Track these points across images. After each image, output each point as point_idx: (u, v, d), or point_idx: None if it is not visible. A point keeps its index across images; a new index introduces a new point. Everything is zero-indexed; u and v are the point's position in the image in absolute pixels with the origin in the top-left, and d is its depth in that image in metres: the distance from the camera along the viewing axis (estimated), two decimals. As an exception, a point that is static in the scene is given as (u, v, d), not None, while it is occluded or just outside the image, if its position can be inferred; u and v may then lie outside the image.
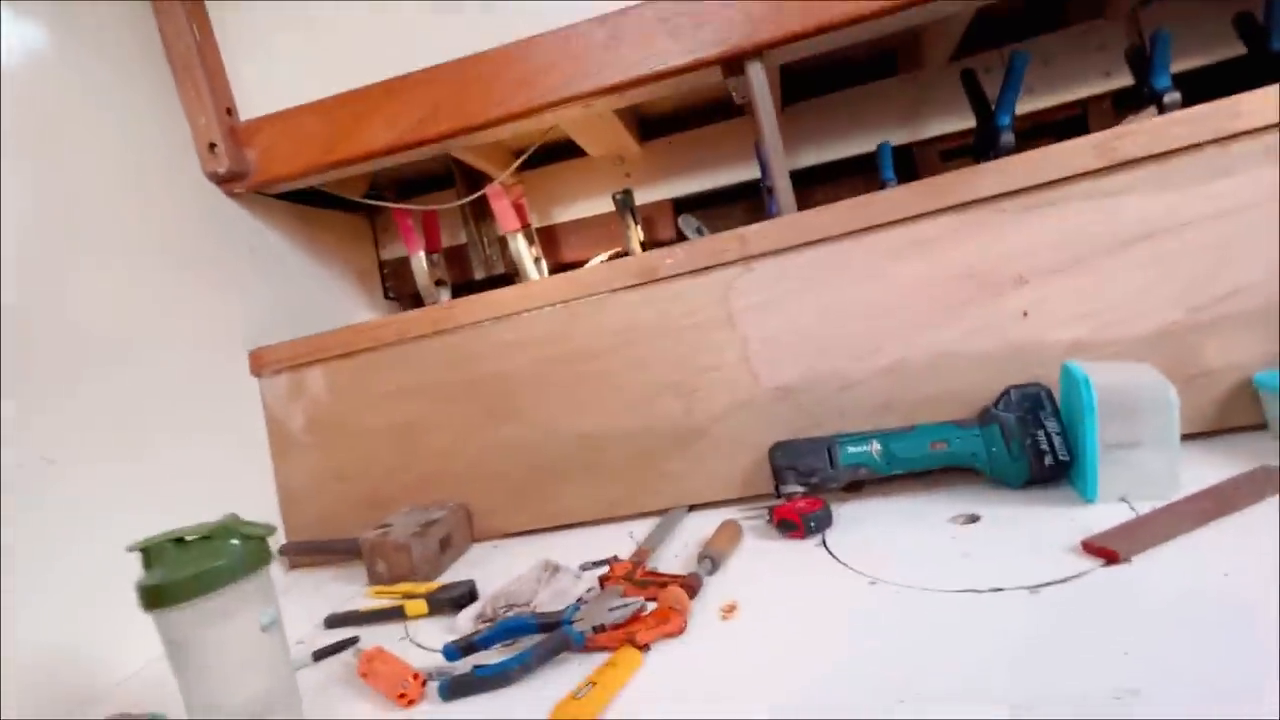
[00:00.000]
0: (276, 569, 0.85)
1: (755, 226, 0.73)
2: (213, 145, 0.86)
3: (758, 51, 0.75)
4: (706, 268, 0.75)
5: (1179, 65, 0.85)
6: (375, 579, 0.73)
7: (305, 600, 0.75)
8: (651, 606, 0.52)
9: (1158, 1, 0.94)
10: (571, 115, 0.87)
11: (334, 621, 0.66)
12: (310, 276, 1.05)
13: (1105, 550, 0.47)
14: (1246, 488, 0.51)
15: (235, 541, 0.44)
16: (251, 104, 0.88)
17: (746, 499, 0.74)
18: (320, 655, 0.60)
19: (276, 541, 0.85)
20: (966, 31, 0.93)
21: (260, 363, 0.87)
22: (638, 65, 0.77)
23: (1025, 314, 0.67)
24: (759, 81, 0.77)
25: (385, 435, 0.84)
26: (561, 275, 0.79)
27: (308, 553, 0.84)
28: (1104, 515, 0.53)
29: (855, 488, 0.71)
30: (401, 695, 0.48)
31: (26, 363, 0.62)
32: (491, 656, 0.51)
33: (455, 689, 0.48)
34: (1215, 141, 0.62)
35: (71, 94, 0.72)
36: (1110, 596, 0.43)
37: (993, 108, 0.87)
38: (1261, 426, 0.61)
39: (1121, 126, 0.64)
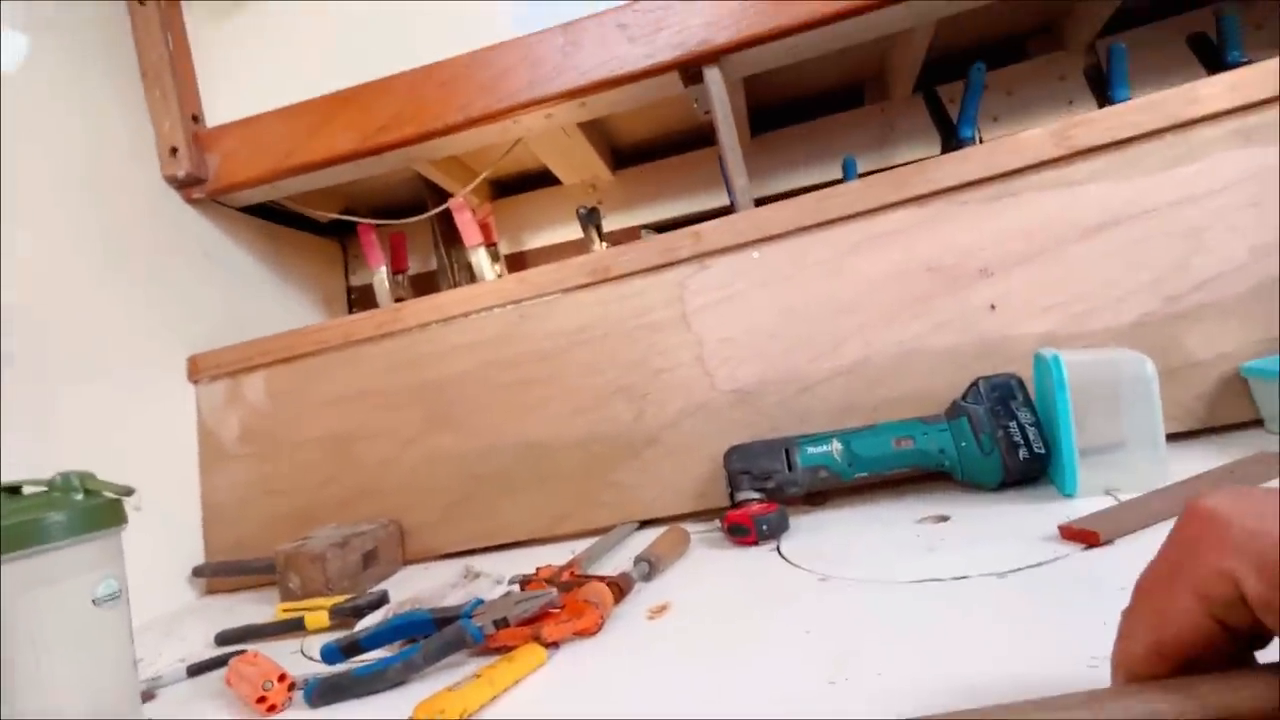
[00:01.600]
0: (190, 594, 0.78)
1: (710, 223, 0.71)
2: (174, 150, 0.86)
3: (714, 57, 0.76)
4: (660, 266, 0.72)
5: (1140, 93, 0.85)
6: (287, 595, 0.66)
7: (213, 622, 0.66)
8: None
9: (1113, 33, 0.96)
10: (535, 126, 0.87)
11: (226, 639, 0.59)
12: (271, 292, 1.03)
13: (1084, 533, 0.40)
14: (1244, 471, 0.45)
15: (78, 496, 0.38)
16: (219, 111, 0.89)
17: (701, 514, 0.67)
18: (196, 670, 0.52)
19: (188, 557, 0.78)
20: (931, 64, 0.95)
21: (198, 368, 0.83)
22: (595, 70, 0.77)
23: (993, 307, 0.63)
24: (717, 88, 0.77)
25: (321, 445, 0.79)
26: (513, 275, 0.76)
27: (224, 574, 0.76)
28: (1087, 507, 0.47)
29: (818, 499, 0.64)
30: (262, 700, 0.41)
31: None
32: (379, 658, 0.43)
33: (323, 692, 0.40)
34: (1174, 128, 0.60)
35: (37, 86, 0.73)
36: (1088, 576, 0.37)
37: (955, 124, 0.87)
38: (1256, 422, 0.55)
39: (1079, 115, 0.62)
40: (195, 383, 0.83)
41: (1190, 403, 0.57)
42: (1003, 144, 0.64)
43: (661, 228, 1.14)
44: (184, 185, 0.87)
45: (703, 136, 1.13)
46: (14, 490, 0.38)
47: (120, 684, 0.39)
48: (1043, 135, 0.63)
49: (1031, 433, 0.53)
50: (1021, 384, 0.56)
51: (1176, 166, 0.59)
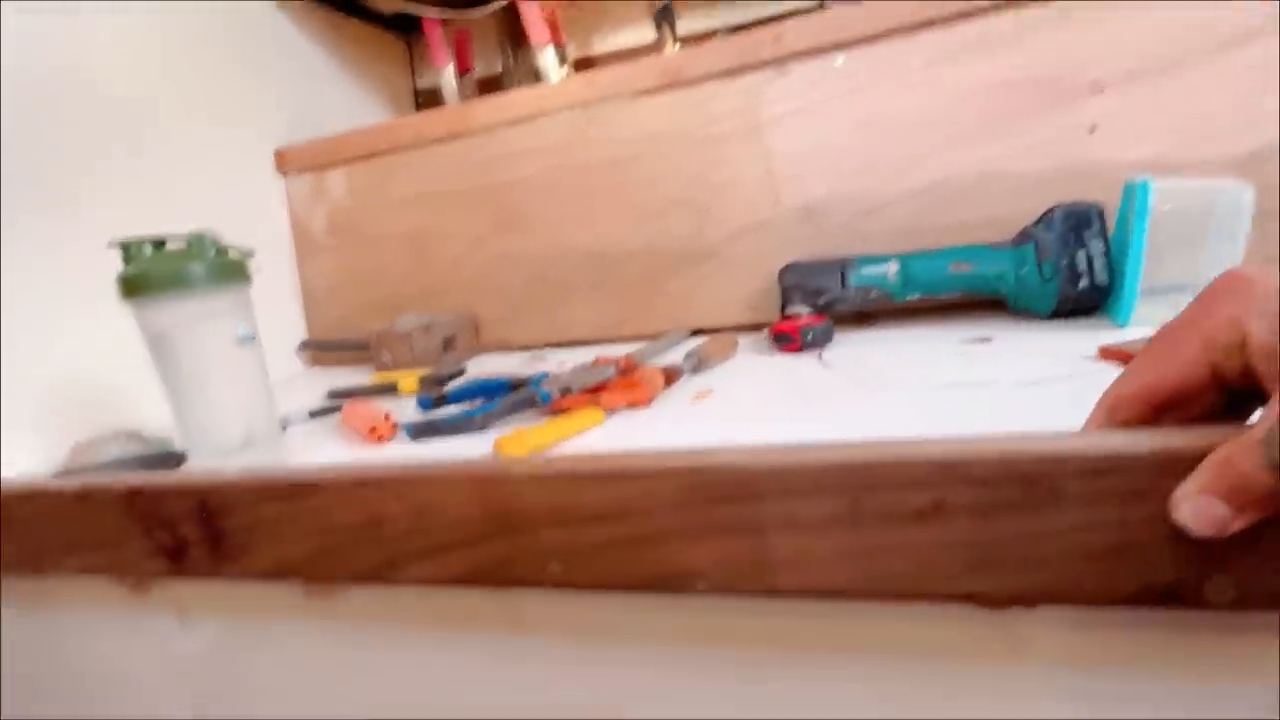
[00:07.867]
0: (298, 364, 0.91)
1: (794, 21, 0.65)
2: (237, -79, 0.82)
3: None
4: (736, 69, 0.68)
5: None
6: (380, 367, 0.76)
7: (319, 386, 0.78)
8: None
9: None
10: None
11: (336, 395, 0.69)
12: (341, 88, 1.03)
13: (1122, 353, 0.42)
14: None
15: (213, 252, 0.44)
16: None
17: (753, 327, 0.71)
18: (316, 414, 0.63)
19: (294, 333, 0.89)
20: None
21: (284, 162, 0.88)
22: None
23: (1094, 128, 0.58)
24: None
25: (400, 241, 0.84)
26: (580, 76, 0.74)
27: (324, 349, 0.88)
28: (1137, 336, 0.47)
29: (868, 320, 0.66)
30: (373, 430, 0.50)
31: (49, 125, 0.63)
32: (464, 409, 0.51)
33: (420, 430, 0.49)
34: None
35: None
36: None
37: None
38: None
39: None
40: (283, 175, 0.89)
41: (1289, 244, 0.53)
42: (1157, -76, 0.54)
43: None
44: (250, -37, 0.85)
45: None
46: (159, 244, 0.44)
47: (264, 410, 0.48)
48: (1211, -87, 0.52)
49: (1098, 263, 0.52)
50: (1101, 214, 0.53)
51: (1370, -43, 0.49)
